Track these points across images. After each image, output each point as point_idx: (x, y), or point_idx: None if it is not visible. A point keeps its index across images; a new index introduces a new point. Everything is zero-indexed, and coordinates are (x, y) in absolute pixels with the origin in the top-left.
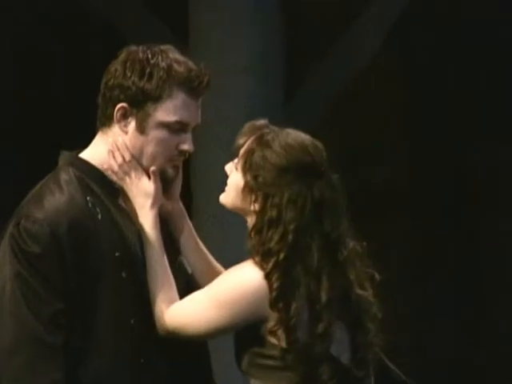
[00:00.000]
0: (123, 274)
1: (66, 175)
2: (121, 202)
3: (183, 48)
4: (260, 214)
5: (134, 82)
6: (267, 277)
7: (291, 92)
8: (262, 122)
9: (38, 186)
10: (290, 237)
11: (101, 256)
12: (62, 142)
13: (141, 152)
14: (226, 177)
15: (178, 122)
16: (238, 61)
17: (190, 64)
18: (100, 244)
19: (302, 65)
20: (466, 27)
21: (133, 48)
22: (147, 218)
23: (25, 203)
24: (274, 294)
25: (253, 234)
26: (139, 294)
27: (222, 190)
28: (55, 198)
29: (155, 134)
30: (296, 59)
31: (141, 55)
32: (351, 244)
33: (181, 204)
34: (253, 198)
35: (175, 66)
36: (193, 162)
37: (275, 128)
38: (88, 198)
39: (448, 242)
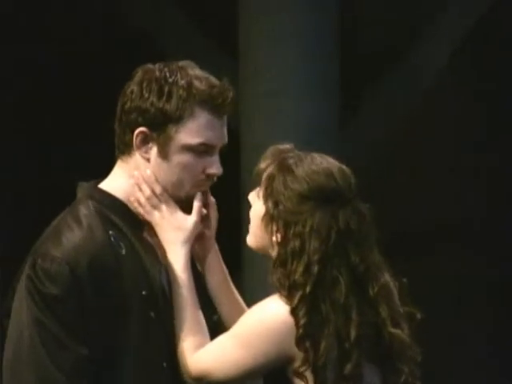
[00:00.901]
0: (152, 314)
1: (85, 209)
2: (146, 235)
3: (232, 69)
4: (282, 244)
5: (152, 103)
6: (293, 312)
7: (348, 114)
8: (286, 145)
9: (54, 222)
10: (315, 268)
11: (126, 295)
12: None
13: (165, 180)
14: None
15: (202, 144)
16: (292, 82)
17: (212, 80)
18: (125, 282)
19: (360, 86)
20: None
21: (148, 66)
22: (178, 256)
23: (41, 241)
24: (301, 331)
25: (276, 266)
26: (171, 336)
27: None
28: (74, 234)
29: (179, 158)
30: (354, 80)
31: (158, 74)
32: (383, 278)
33: (215, 243)
34: (274, 227)
35: (196, 82)
36: (243, 189)
37: (300, 153)
38: (110, 233)
39: None
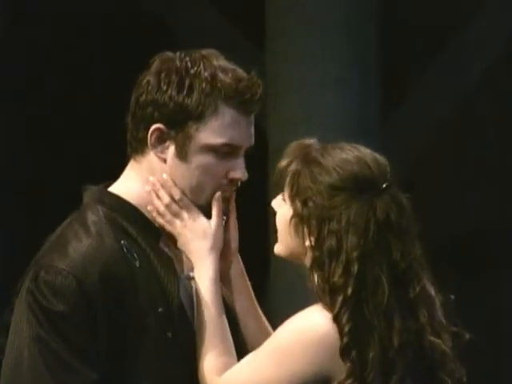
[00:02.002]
0: (169, 334)
1: (93, 215)
2: (162, 245)
3: (260, 61)
4: (317, 245)
5: (170, 97)
6: (336, 318)
7: (389, 109)
8: (309, 140)
9: (59, 230)
10: (355, 267)
11: (141, 312)
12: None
13: (184, 183)
14: None
15: (226, 145)
16: (326, 76)
17: (239, 72)
18: (139, 298)
19: (402, 79)
20: None
21: (167, 55)
22: (206, 266)
23: (44, 251)
24: (346, 339)
25: (313, 270)
26: (190, 359)
27: None
28: (82, 243)
29: (199, 160)
30: (395, 72)
31: (178, 63)
32: (425, 279)
33: (238, 256)
34: (305, 229)
35: (220, 75)
36: (271, 196)
37: (325, 144)
38: (122, 242)
39: None
